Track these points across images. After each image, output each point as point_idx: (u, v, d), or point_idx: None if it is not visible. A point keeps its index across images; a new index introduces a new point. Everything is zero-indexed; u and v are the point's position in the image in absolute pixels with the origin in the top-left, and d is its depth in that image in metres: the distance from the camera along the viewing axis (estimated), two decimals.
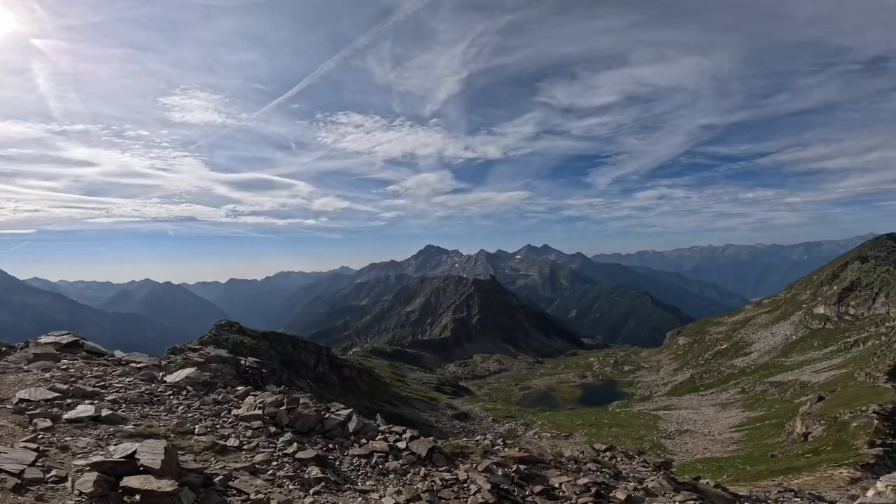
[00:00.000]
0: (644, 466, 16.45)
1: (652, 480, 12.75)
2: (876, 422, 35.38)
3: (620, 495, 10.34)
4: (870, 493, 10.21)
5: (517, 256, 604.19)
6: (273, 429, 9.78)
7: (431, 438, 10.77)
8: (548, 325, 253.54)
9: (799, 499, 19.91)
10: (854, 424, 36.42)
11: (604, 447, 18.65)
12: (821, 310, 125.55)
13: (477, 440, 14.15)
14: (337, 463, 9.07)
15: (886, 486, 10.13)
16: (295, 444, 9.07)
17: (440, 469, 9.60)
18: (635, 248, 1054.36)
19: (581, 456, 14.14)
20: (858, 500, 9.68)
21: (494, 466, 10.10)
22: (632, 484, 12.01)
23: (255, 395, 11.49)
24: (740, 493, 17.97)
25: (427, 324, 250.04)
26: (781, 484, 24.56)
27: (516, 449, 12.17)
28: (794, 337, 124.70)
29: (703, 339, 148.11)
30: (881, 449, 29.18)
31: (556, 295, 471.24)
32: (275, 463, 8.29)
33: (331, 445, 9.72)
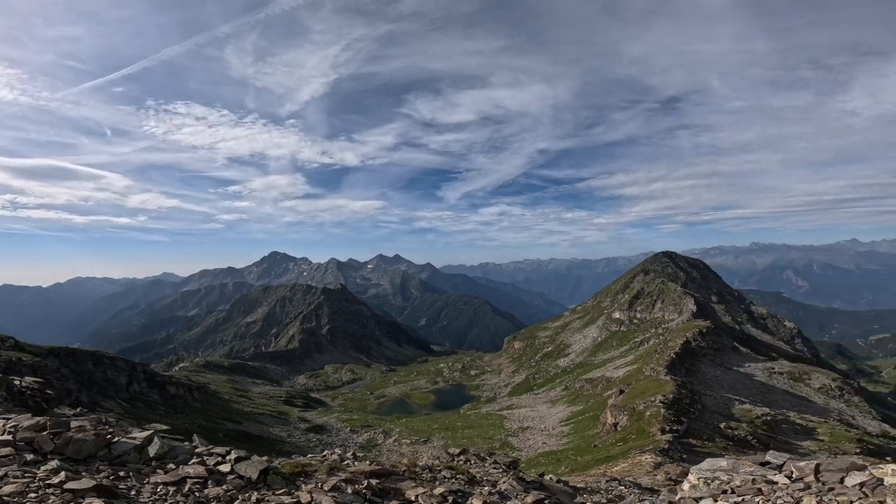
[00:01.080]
0: (495, 467, 18.18)
1: (504, 482, 13.44)
2: (663, 410, 46.53)
3: (477, 502, 10.56)
4: (685, 486, 10.81)
5: (369, 266, 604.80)
6: (30, 456, 8.17)
7: (265, 458, 9.65)
8: (399, 334, 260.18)
9: (623, 487, 23.25)
10: (648, 413, 47.18)
11: (458, 451, 20.62)
12: (617, 315, 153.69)
13: (324, 455, 13.53)
14: (133, 493, 7.68)
15: (698, 479, 10.39)
16: (63, 473, 7.53)
17: (277, 492, 8.42)
18: (478, 260, 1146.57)
19: (436, 463, 14.62)
20: (679, 497, 10.31)
21: (343, 484, 9.30)
22: (486, 488, 12.32)
23: (7, 419, 9.69)
24: (578, 486, 21.39)
25: (272, 335, 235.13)
26: (606, 473, 30.63)
27: (367, 462, 11.56)
28: (599, 339, 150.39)
29: (533, 343, 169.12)
30: (671, 435, 38.79)
31: (406, 304, 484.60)
32: (33, 495, 6.91)
33: (122, 473, 8.19)
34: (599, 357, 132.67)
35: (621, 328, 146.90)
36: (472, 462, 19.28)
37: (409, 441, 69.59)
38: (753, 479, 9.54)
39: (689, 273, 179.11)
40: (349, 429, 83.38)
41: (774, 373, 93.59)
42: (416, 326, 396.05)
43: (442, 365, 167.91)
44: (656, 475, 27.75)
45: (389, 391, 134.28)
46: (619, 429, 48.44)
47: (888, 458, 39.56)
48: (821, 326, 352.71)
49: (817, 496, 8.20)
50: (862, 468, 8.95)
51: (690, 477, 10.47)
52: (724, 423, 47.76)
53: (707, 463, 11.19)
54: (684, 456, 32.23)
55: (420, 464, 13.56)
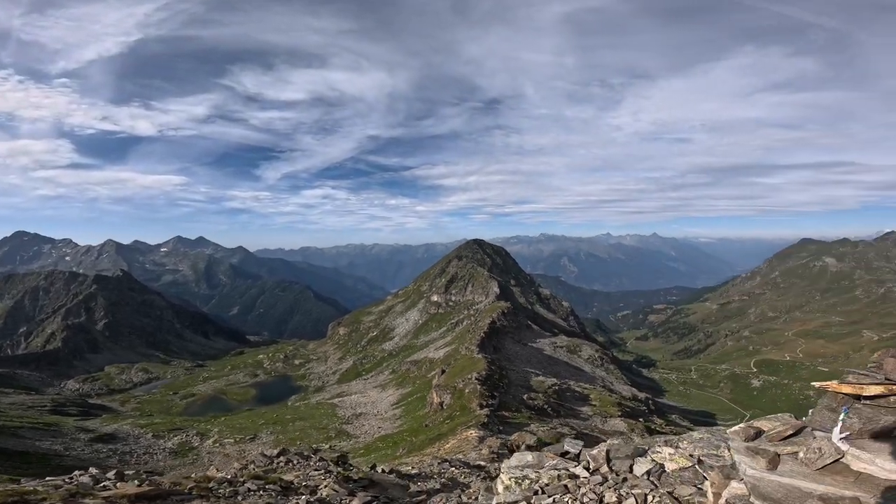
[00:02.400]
0: (320, 467, 16.76)
1: (325, 487, 12.32)
2: (479, 387, 53.29)
3: None
4: (499, 487, 10.74)
5: (163, 249, 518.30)
6: None
7: None
8: (206, 325, 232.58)
9: (454, 468, 24.62)
10: (467, 391, 53.47)
11: (276, 451, 19.28)
12: (435, 298, 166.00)
13: (70, 477, 10.52)
14: None
15: (511, 479, 10.25)
16: None
17: None
18: (299, 244, 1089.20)
19: (238, 474, 12.72)
20: (495, 501, 10.12)
21: None
22: (303, 498, 11.29)
23: None
24: (412, 472, 21.87)
25: (20, 334, 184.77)
26: (440, 450, 33.61)
27: (136, 482, 9.70)
28: (420, 321, 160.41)
29: (359, 328, 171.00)
30: (488, 409, 44.86)
31: (214, 292, 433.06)
32: None
33: None
34: (422, 339, 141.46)
35: (439, 311, 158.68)
36: (294, 463, 17.66)
37: (232, 441, 64.66)
38: (559, 475, 9.82)
39: (494, 259, 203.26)
40: (151, 434, 72.88)
41: (557, 346, 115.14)
42: (227, 316, 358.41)
43: (261, 356, 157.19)
44: (482, 450, 32.41)
45: (199, 389, 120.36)
46: (445, 407, 53.81)
47: (640, 419, 54.67)
48: (586, 305, 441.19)
49: (615, 490, 8.81)
50: (643, 453, 10.31)
51: (503, 477, 10.29)
52: (526, 395, 57.86)
53: (515, 459, 11.15)
54: (501, 428, 38.35)
55: (217, 476, 11.42)
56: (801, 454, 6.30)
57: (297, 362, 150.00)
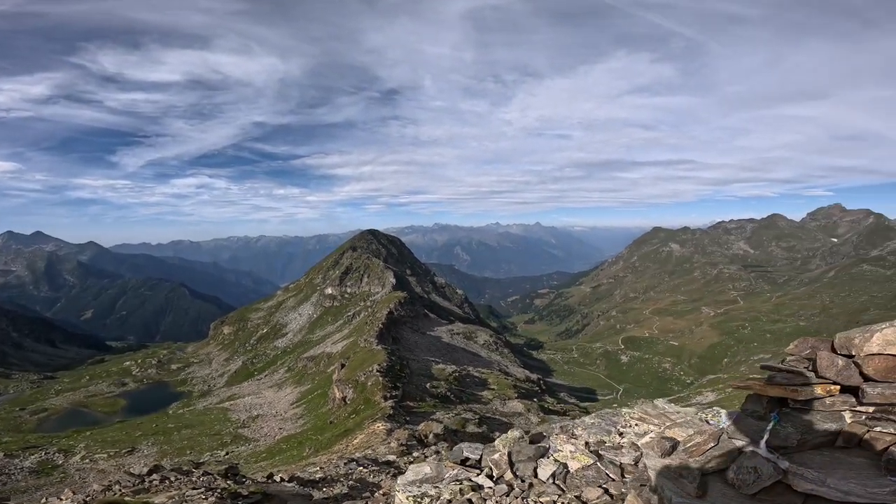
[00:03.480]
0: (200, 486, 14.51)
1: None
2: (381, 379, 53.27)
3: None
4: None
5: None
6: None
7: None
8: (52, 332, 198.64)
9: (362, 467, 23.94)
10: (370, 383, 53.16)
11: (146, 469, 17.12)
12: (329, 290, 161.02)
13: None
14: None
15: (408, 498, 9.47)
16: None
17: None
18: (169, 238, 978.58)
19: (92, 500, 11.14)
20: None
21: None
22: None
23: None
24: (317, 477, 20.69)
25: None
26: (346, 451, 32.80)
27: None
28: (314, 315, 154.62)
29: (245, 326, 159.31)
30: (392, 401, 45.08)
31: (58, 294, 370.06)
32: None
33: None
34: (318, 334, 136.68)
35: (334, 303, 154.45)
36: (171, 481, 15.06)
37: (105, 455, 56.58)
38: (461, 489, 9.27)
39: (389, 249, 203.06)
40: (3, 454, 60.98)
41: (454, 334, 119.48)
42: (79, 321, 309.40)
43: (129, 363, 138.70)
44: (390, 443, 32.78)
45: (53, 403, 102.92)
46: (349, 402, 53.04)
47: (535, 400, 59.26)
48: (479, 292, 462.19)
49: (523, 499, 8.59)
50: (544, 452, 10.10)
51: (400, 497, 9.53)
52: (428, 384, 59.40)
53: (412, 473, 10.48)
54: (407, 418, 39.06)
55: None
56: (730, 474, 5.28)
57: (174, 367, 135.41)
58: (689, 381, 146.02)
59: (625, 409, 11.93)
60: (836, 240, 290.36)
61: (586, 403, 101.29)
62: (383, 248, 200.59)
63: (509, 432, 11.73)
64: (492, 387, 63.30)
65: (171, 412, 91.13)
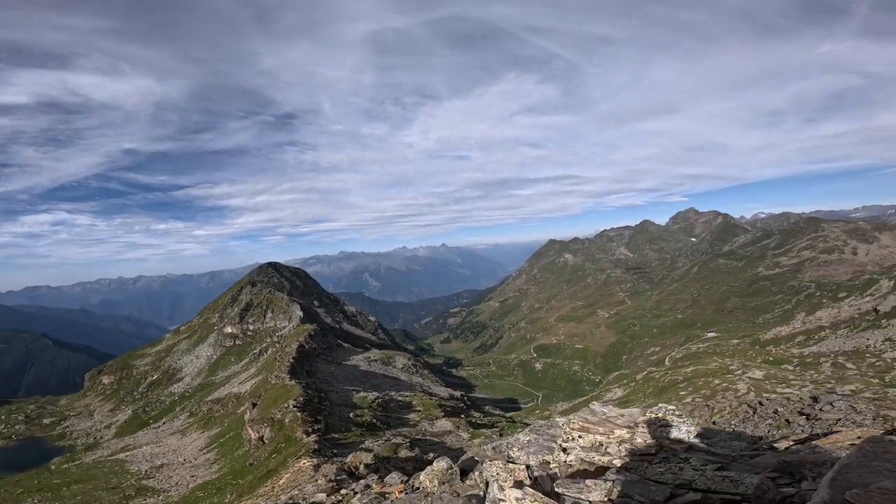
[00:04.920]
0: None
1: None
2: (300, 414, 49.97)
3: None
4: None
5: None
6: None
7: None
8: None
9: None
10: (287, 420, 49.59)
11: None
12: (229, 329, 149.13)
13: None
14: None
15: None
16: None
17: None
18: (21, 284, 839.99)
19: None
20: None
21: None
22: None
23: None
24: None
25: None
26: (272, 493, 30.12)
27: None
28: (214, 356, 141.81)
29: (130, 373, 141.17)
30: (315, 435, 42.25)
31: None
32: None
33: None
34: (220, 375, 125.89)
35: (236, 342, 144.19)
36: None
37: None
38: None
39: (293, 282, 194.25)
40: None
41: (371, 360, 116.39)
42: None
43: None
44: (318, 480, 30.76)
45: None
46: (267, 441, 49.13)
47: (462, 416, 59.23)
48: (391, 317, 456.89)
49: None
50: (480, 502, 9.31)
51: None
52: (351, 413, 56.87)
53: None
54: (335, 451, 36.82)
55: None
56: None
57: (47, 421, 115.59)
58: (597, 381, 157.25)
59: (560, 419, 10.63)
60: (694, 239, 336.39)
61: (511, 413, 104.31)
62: (286, 280, 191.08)
63: (435, 463, 10.45)
64: (417, 408, 62.53)
65: (53, 467, 78.51)
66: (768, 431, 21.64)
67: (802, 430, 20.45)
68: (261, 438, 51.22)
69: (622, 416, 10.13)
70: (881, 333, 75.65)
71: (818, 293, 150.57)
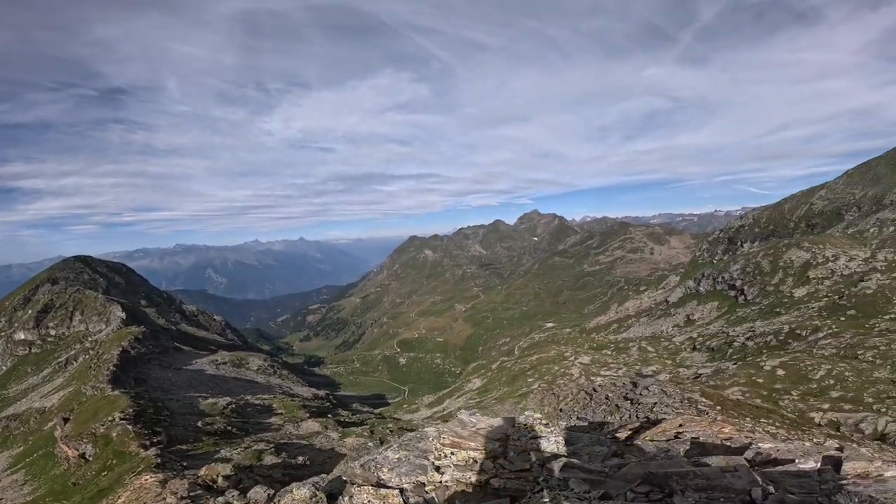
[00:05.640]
0: None
1: None
2: (132, 427, 42.27)
3: None
4: None
5: None
6: None
7: None
8: None
9: None
10: (115, 434, 41.50)
11: None
12: (22, 335, 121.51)
13: None
14: None
15: None
16: None
17: None
18: None
19: None
20: None
21: None
22: None
23: None
24: None
25: None
26: None
27: None
28: (3, 367, 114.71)
29: None
30: (156, 448, 35.88)
31: None
32: None
33: None
34: (14, 388, 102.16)
35: (33, 350, 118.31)
36: None
37: None
38: None
39: (111, 279, 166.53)
40: None
41: (220, 364, 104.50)
42: None
43: None
44: (166, 497, 26.61)
45: None
46: (92, 458, 40.83)
47: (329, 416, 55.92)
48: (242, 316, 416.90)
49: None
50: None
51: None
52: (200, 421, 50.09)
53: None
54: (184, 464, 31.94)
55: None
56: None
57: None
58: (458, 372, 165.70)
59: (430, 431, 10.03)
60: (536, 238, 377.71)
61: (380, 409, 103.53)
62: (102, 277, 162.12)
63: (296, 490, 9.21)
64: (279, 411, 57.83)
65: None
66: (604, 417, 25.04)
67: (629, 416, 24.24)
68: (82, 456, 42.46)
69: (491, 427, 9.84)
70: (671, 321, 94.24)
71: (626, 287, 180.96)
